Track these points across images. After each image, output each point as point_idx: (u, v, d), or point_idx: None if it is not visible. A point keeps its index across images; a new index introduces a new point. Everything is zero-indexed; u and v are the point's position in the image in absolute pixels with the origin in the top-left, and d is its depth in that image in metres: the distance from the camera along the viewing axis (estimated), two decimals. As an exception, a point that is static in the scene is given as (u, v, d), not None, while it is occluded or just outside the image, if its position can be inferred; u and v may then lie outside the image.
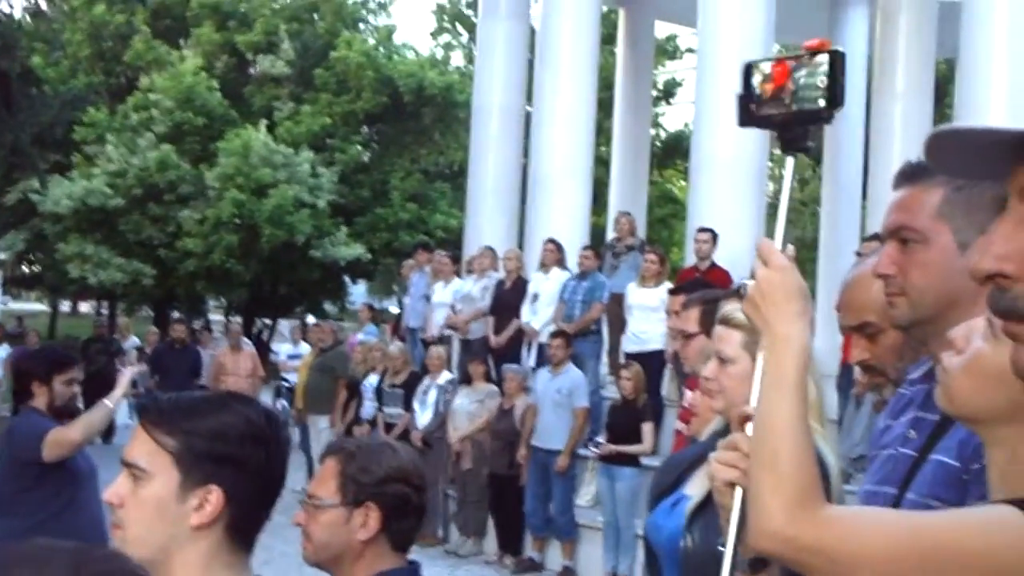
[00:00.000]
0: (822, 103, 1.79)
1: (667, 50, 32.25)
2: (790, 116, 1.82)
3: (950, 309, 1.84)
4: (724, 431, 2.89)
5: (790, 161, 1.90)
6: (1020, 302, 1.05)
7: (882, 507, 1.95)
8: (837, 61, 1.78)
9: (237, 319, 22.52)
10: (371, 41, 31.28)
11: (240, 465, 1.90)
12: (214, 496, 1.89)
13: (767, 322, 1.71)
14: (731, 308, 2.86)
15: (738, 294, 3.36)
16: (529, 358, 11.92)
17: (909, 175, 1.99)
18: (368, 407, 12.52)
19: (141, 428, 1.94)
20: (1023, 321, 1.06)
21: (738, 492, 1.81)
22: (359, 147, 29.84)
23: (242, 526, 1.94)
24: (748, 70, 1.86)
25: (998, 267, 1.08)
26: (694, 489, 2.78)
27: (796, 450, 1.55)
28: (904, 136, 13.80)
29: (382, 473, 2.54)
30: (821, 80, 1.79)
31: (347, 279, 31.35)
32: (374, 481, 2.52)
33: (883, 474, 2.03)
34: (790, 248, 1.91)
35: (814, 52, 1.80)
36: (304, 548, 2.58)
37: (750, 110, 1.86)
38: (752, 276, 1.78)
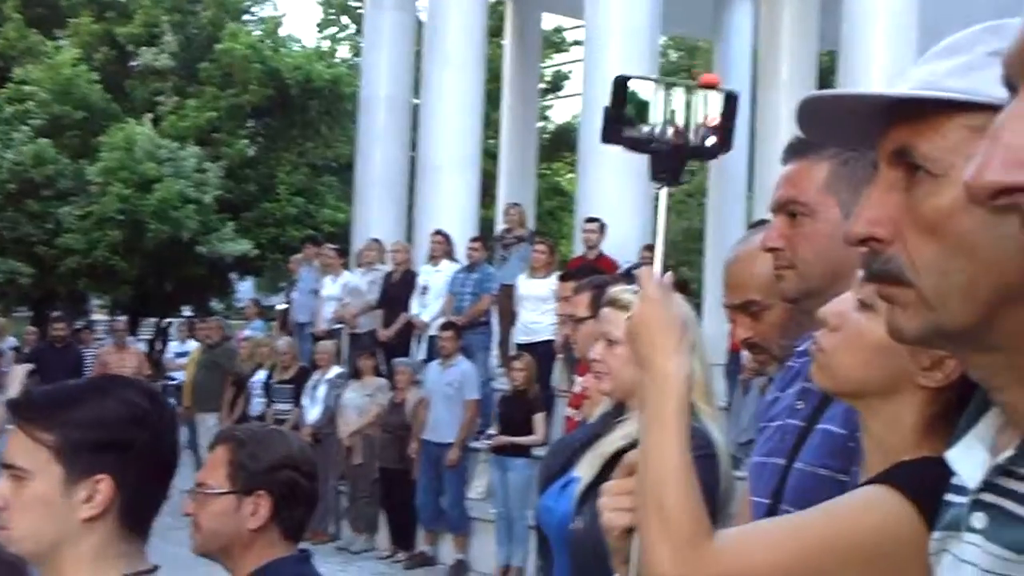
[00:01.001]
0: (710, 142, 1.72)
1: (554, 42, 32.40)
2: (670, 148, 1.73)
3: (837, 280, 1.85)
4: (614, 413, 2.89)
5: (664, 193, 1.81)
6: (892, 264, 1.05)
7: (769, 520, 1.95)
8: (731, 103, 1.72)
9: (122, 318, 22.05)
10: (257, 33, 30.84)
11: (125, 450, 1.85)
12: (103, 486, 1.83)
13: (643, 358, 1.68)
14: (618, 290, 2.87)
15: (627, 276, 3.37)
16: (419, 351, 11.87)
17: (797, 150, 2.01)
18: (256, 403, 12.37)
19: (17, 427, 1.87)
20: (895, 283, 1.06)
21: (635, 541, 1.78)
22: (245, 141, 29.41)
23: (136, 512, 1.89)
24: (622, 85, 1.74)
25: (869, 231, 1.07)
26: (583, 471, 2.77)
27: (681, 491, 1.52)
28: (789, 127, 13.91)
29: (273, 460, 2.48)
30: (712, 119, 1.72)
31: (234, 275, 30.93)
32: (264, 468, 2.47)
33: (771, 445, 2.04)
34: (668, 276, 1.91)
35: (704, 86, 1.74)
36: (193, 538, 2.51)
37: (617, 129, 1.76)
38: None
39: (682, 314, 2.79)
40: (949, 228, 1.02)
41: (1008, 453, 1.05)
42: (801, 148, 2.00)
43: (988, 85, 1.00)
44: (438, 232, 12.15)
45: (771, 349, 2.33)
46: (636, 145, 1.77)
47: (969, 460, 1.12)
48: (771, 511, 1.95)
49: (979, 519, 1.08)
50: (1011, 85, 0.66)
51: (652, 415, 1.62)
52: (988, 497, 1.07)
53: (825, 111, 1.13)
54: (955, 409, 1.26)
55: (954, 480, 1.17)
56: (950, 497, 1.18)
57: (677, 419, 1.61)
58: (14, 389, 5.55)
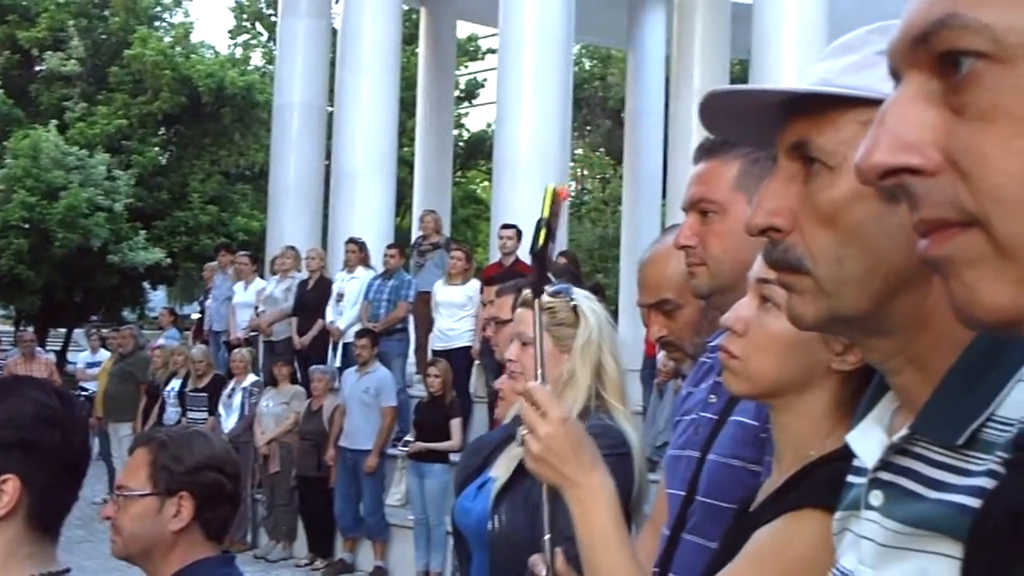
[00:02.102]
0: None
1: (468, 51, 32.44)
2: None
3: (744, 279, 1.90)
4: None
5: (537, 304, 1.99)
6: (790, 253, 1.10)
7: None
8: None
9: (29, 329, 21.59)
10: (168, 40, 30.43)
11: (33, 450, 1.82)
12: (9, 486, 1.80)
13: (567, 479, 1.72)
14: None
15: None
16: (335, 358, 11.82)
17: (708, 149, 2.05)
18: (171, 412, 12.22)
19: None
20: (794, 271, 1.11)
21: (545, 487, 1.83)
22: (157, 149, 29.02)
23: (44, 513, 1.87)
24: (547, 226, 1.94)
25: (769, 221, 1.11)
26: (499, 471, 2.79)
27: None
28: (701, 134, 13.93)
29: (195, 461, 2.46)
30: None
31: (147, 285, 30.48)
32: (187, 469, 2.44)
33: (686, 438, 2.09)
34: (547, 386, 1.98)
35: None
36: (113, 542, 2.48)
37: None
38: (528, 429, 1.78)
39: (600, 316, 2.85)
40: (843, 218, 1.07)
41: (902, 433, 1.10)
42: (712, 148, 2.04)
43: (878, 82, 1.07)
44: (352, 240, 12.11)
45: (685, 347, 2.37)
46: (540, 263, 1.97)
47: (867, 441, 1.17)
48: (687, 502, 2.00)
49: (876, 497, 1.12)
50: (896, 74, 0.72)
51: (595, 534, 1.67)
52: (884, 475, 1.12)
53: (728, 107, 1.17)
54: (862, 392, 1.31)
55: (855, 462, 1.23)
56: (851, 479, 1.23)
57: (615, 530, 1.66)
58: None
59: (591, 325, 2.81)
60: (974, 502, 0.97)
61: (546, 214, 1.91)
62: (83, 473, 1.93)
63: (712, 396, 2.05)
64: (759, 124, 1.16)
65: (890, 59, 0.72)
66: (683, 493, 2.02)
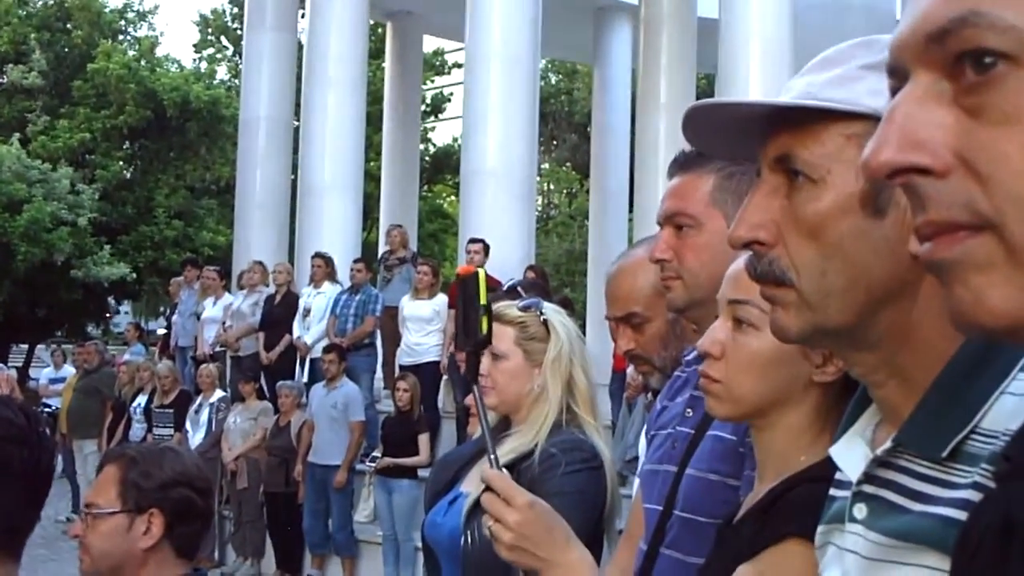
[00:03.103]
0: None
1: (434, 65, 32.46)
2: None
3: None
4: (500, 427, 2.92)
5: (477, 390, 2.03)
6: (774, 266, 1.11)
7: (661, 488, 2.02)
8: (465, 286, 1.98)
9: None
10: (132, 53, 30.26)
11: (1, 468, 1.79)
12: None
13: (546, 560, 1.72)
14: (501, 305, 2.89)
15: (514, 292, 3.41)
16: (302, 374, 11.77)
17: (682, 163, 2.05)
18: (137, 429, 12.12)
19: None
20: (778, 284, 1.11)
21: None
22: (121, 163, 28.83)
23: (7, 532, 1.83)
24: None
25: (753, 234, 1.12)
26: (471, 486, 2.78)
27: None
28: (668, 149, 14.26)
29: (165, 477, 2.43)
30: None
31: (111, 300, 30.26)
32: (157, 486, 2.42)
33: (662, 452, 2.08)
34: (504, 472, 2.00)
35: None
36: (81, 561, 2.44)
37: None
38: (494, 519, 1.78)
39: (570, 330, 2.85)
40: (827, 231, 1.08)
41: (886, 446, 1.11)
42: (687, 162, 2.04)
43: (862, 96, 1.08)
44: (318, 255, 12.08)
45: (653, 360, 2.37)
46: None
47: (850, 455, 1.18)
48: (664, 517, 2.00)
49: (860, 510, 1.13)
50: (900, 74, 0.71)
51: None
52: (868, 488, 1.13)
53: (711, 120, 1.18)
54: (843, 401, 1.32)
55: (837, 476, 1.23)
56: (834, 492, 1.24)
57: None
58: None
59: (562, 339, 2.83)
60: (959, 514, 0.97)
61: (485, 300, 1.93)
62: (46, 494, 1.91)
63: (689, 410, 2.04)
64: (741, 138, 1.17)
65: (894, 55, 0.71)
66: (660, 508, 2.02)
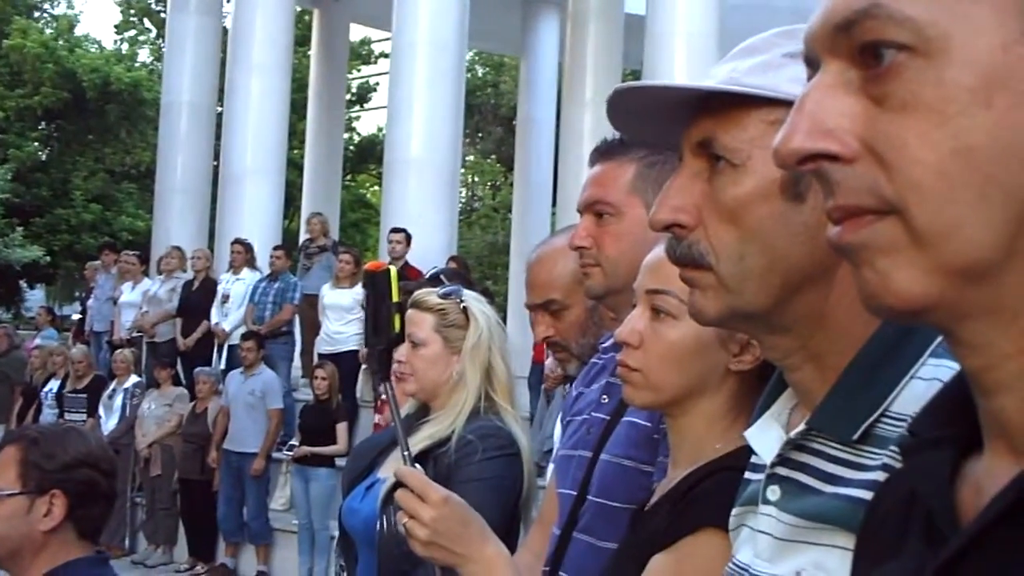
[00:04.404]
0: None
1: (361, 54, 32.28)
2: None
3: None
4: (418, 414, 2.92)
5: (389, 388, 2.02)
6: (694, 249, 1.12)
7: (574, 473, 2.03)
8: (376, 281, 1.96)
9: None
10: (49, 31, 29.69)
11: None
12: None
13: (463, 556, 1.73)
14: (422, 292, 2.90)
15: (436, 280, 3.41)
16: (220, 361, 11.66)
17: (603, 152, 2.06)
18: (48, 414, 11.91)
19: None
20: (697, 267, 1.12)
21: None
22: (37, 144, 28.29)
23: None
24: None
25: (673, 217, 1.13)
26: (388, 472, 2.78)
27: None
28: (592, 143, 13.87)
29: (68, 458, 2.40)
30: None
31: (23, 283, 29.71)
32: (59, 467, 2.38)
33: (577, 438, 2.09)
34: (418, 468, 2.01)
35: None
36: None
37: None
38: (408, 515, 1.78)
39: (490, 318, 2.86)
40: (747, 216, 1.10)
41: (800, 428, 1.13)
42: (607, 151, 2.06)
43: (784, 83, 1.09)
44: (237, 241, 11.95)
45: (571, 348, 2.38)
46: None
47: (765, 438, 1.20)
48: (579, 502, 2.01)
49: (773, 492, 1.15)
50: (812, 62, 0.73)
51: None
52: (782, 471, 1.15)
53: (635, 104, 1.19)
54: (758, 390, 1.33)
55: (752, 459, 1.25)
56: (748, 475, 1.25)
57: None
58: None
59: (481, 326, 2.84)
60: (868, 495, 0.99)
61: (397, 298, 1.92)
62: None
63: (604, 396, 2.06)
64: (665, 122, 1.18)
65: (807, 45, 0.73)
66: (575, 493, 2.03)
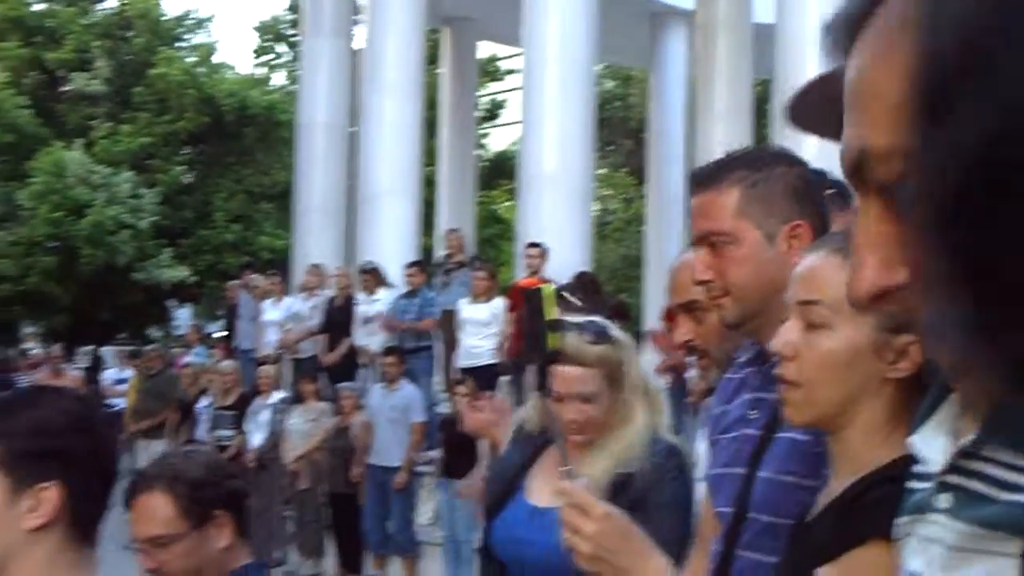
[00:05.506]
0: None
1: (489, 71, 32.50)
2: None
3: (772, 298, 1.88)
4: (538, 436, 2.93)
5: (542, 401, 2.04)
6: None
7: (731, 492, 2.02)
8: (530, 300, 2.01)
9: (56, 346, 21.80)
10: (191, 60, 30.63)
11: (68, 458, 1.81)
12: (48, 495, 1.78)
13: (626, 570, 1.73)
14: (575, 345, 2.74)
15: (561, 298, 3.42)
16: (362, 376, 11.84)
17: (701, 181, 2.05)
18: (202, 429, 12.26)
19: None
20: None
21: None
22: (181, 167, 29.17)
23: (82, 521, 1.85)
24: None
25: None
26: (542, 497, 2.76)
27: None
28: (723, 154, 14.21)
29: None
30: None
31: (171, 302, 30.60)
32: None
33: (728, 456, 2.06)
34: (582, 481, 1.97)
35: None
36: None
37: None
38: (571, 531, 1.78)
39: (628, 338, 2.84)
40: None
41: (971, 435, 1.14)
42: (704, 179, 2.04)
43: None
44: (363, 270, 12.13)
45: (711, 352, 2.38)
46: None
47: (931, 445, 1.19)
48: (738, 519, 1.99)
49: (944, 499, 1.14)
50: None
51: None
52: (952, 479, 1.13)
53: (819, 98, 1.06)
54: (915, 398, 1.33)
55: (916, 468, 1.26)
56: (913, 484, 1.27)
57: None
58: None
59: (631, 352, 2.83)
60: None
61: (551, 316, 1.92)
62: (114, 480, 1.91)
63: (752, 412, 2.02)
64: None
65: (844, 171, 0.75)
66: (732, 510, 2.01)
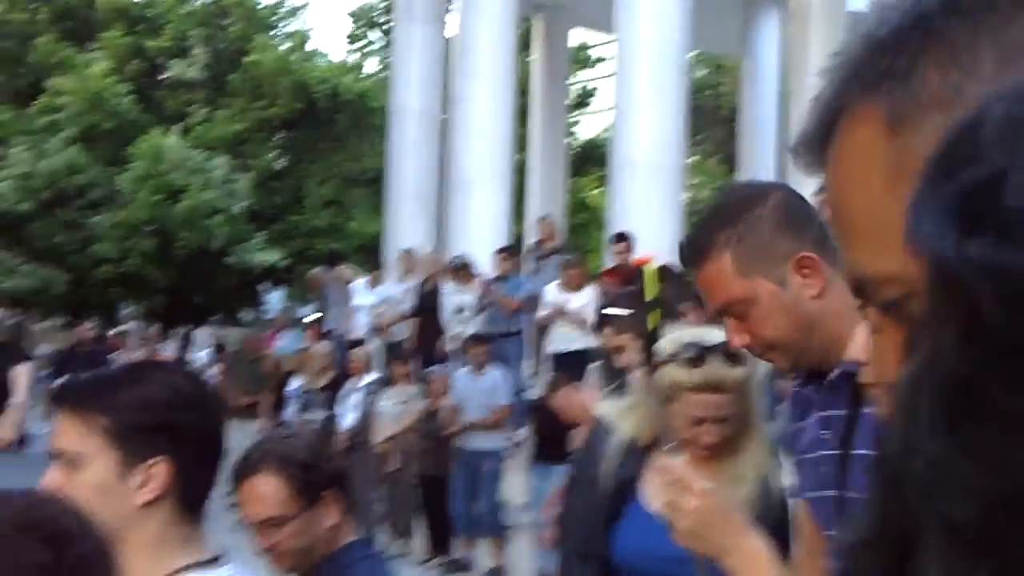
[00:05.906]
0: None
1: (579, 59, 32.46)
2: None
3: (813, 331, 1.89)
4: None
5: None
6: None
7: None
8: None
9: (155, 327, 22.37)
10: (285, 47, 31.07)
11: (177, 433, 1.81)
12: (158, 469, 1.79)
13: (724, 548, 1.72)
14: (714, 372, 2.63)
15: (666, 272, 3.38)
16: (455, 362, 11.94)
17: (691, 258, 2.01)
18: (292, 410, 12.45)
19: (64, 414, 1.82)
20: None
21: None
22: (274, 153, 29.61)
23: (191, 496, 1.85)
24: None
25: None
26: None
27: None
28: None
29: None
30: None
31: (263, 286, 31.08)
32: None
33: (816, 479, 1.99)
34: (681, 460, 1.92)
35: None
36: None
37: None
38: (671, 507, 1.77)
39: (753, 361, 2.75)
40: None
41: None
42: (693, 255, 2.00)
43: None
44: (453, 267, 12.22)
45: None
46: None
47: None
48: None
49: None
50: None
51: None
52: None
53: None
54: None
55: None
56: None
57: None
58: (21, 389, 5.57)
59: (750, 362, 2.66)
60: None
61: (653, 295, 1.88)
62: (220, 455, 1.91)
63: (824, 432, 1.96)
64: None
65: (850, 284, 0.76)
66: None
